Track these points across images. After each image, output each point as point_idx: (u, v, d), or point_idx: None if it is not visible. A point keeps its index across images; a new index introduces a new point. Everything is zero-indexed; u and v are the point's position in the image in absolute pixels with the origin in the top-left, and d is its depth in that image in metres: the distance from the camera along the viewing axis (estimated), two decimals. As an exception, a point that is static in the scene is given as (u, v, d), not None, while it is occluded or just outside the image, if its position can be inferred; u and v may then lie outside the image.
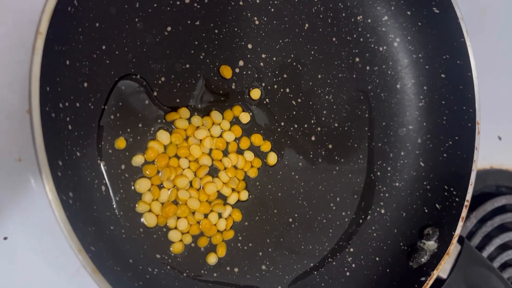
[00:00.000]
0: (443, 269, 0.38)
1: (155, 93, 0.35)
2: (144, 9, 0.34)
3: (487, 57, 0.54)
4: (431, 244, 0.39)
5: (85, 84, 0.32)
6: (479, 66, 0.39)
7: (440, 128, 0.42)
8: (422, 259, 0.39)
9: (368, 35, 0.42)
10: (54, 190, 0.25)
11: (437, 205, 0.41)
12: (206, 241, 0.36)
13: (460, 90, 0.40)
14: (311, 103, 0.41)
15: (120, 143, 0.33)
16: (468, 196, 0.39)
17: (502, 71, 0.56)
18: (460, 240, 0.40)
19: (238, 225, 0.38)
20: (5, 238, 0.32)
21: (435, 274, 0.38)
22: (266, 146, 0.39)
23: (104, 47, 0.33)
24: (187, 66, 0.36)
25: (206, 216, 0.36)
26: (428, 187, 0.42)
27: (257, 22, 0.39)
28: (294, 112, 0.40)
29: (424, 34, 0.42)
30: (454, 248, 0.38)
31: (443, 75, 0.41)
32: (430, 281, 0.37)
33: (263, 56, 0.39)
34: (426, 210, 0.41)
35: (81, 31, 0.31)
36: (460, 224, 0.38)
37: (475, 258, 0.40)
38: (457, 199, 0.39)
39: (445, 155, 0.41)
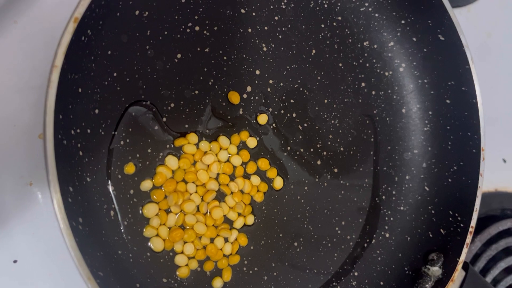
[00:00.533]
0: (447, 296, 0.38)
1: (164, 119, 0.36)
2: (155, 37, 0.35)
3: (493, 78, 0.54)
4: (435, 270, 0.39)
5: (96, 111, 0.32)
6: (484, 87, 0.39)
7: (445, 153, 0.42)
8: (427, 285, 0.39)
9: (374, 61, 0.43)
10: (66, 219, 0.26)
11: (441, 230, 0.41)
12: (212, 266, 0.36)
13: (465, 116, 0.40)
14: (317, 127, 0.41)
15: (129, 169, 0.34)
16: (473, 222, 0.39)
17: (507, 93, 0.57)
18: (465, 266, 0.40)
19: (243, 249, 0.38)
20: (15, 261, 0.32)
21: (439, 300, 0.38)
22: (272, 172, 0.40)
23: (115, 74, 0.33)
24: (196, 92, 0.37)
25: (212, 240, 0.37)
26: (433, 211, 0.42)
27: (265, 49, 0.39)
28: (301, 137, 0.41)
29: (430, 60, 0.42)
30: (458, 274, 0.38)
31: (448, 101, 0.42)
32: (435, 308, 0.37)
33: (271, 81, 0.40)
34: (430, 235, 0.41)
35: (94, 59, 0.32)
36: (465, 250, 0.38)
37: (479, 284, 0.40)
38: (461, 225, 0.39)
39: (450, 180, 0.41)
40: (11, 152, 0.33)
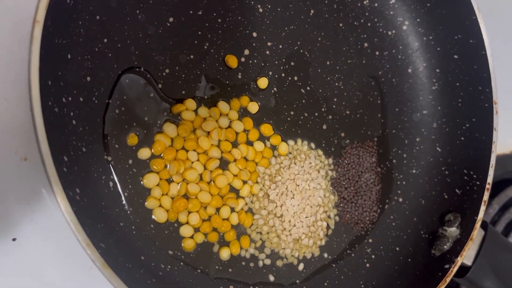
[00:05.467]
0: (467, 256, 0.37)
1: (159, 86, 0.34)
2: (145, 0, 0.34)
3: (503, 34, 0.52)
4: (453, 230, 0.38)
5: (88, 78, 0.31)
6: (494, 44, 0.38)
7: (456, 111, 0.41)
8: (445, 246, 0.37)
9: (375, 20, 0.41)
10: (59, 182, 0.24)
11: (457, 190, 0.39)
12: (216, 236, 0.35)
13: (475, 70, 0.39)
14: (320, 90, 0.40)
15: (132, 140, 0.33)
16: (489, 179, 0.37)
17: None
18: (484, 225, 0.38)
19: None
20: (14, 239, 0.31)
21: (459, 260, 0.36)
22: (276, 139, 0.38)
23: (105, 40, 0.32)
24: (191, 57, 0.36)
25: (218, 210, 0.35)
26: (446, 172, 0.41)
27: (261, 10, 0.38)
28: (304, 101, 0.39)
29: (434, 15, 0.40)
30: (477, 233, 0.37)
31: (455, 56, 0.40)
32: (455, 268, 0.36)
33: (269, 44, 0.38)
34: (445, 196, 0.40)
35: (82, 24, 0.30)
36: (483, 208, 0.37)
37: (500, 243, 0.38)
38: (477, 183, 0.38)
39: (462, 138, 0.40)
40: (3, 127, 0.31)
